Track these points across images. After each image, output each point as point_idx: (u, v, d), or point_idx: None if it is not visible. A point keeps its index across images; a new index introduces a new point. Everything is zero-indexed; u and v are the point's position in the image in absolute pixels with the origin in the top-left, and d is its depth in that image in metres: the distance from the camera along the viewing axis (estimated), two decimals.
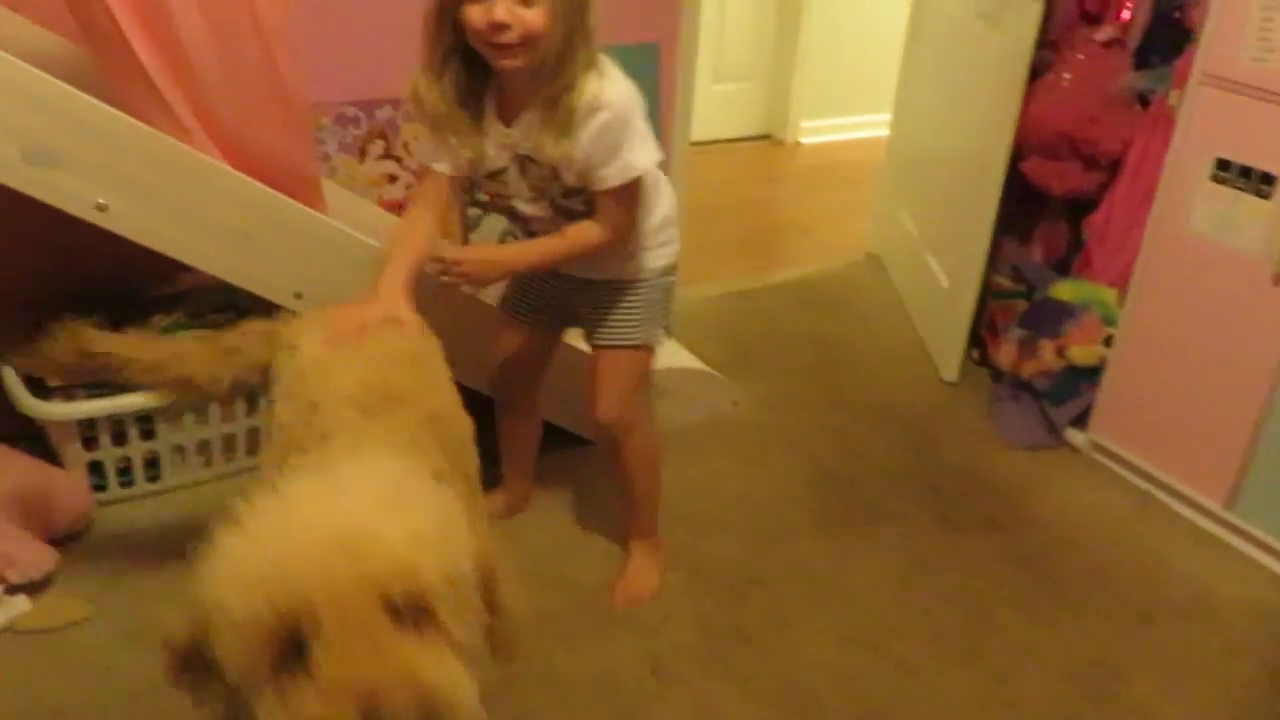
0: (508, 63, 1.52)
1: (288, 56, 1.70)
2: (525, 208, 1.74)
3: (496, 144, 1.66)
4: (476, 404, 2.16)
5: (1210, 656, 1.95)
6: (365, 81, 2.34)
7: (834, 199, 4.21)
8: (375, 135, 2.39)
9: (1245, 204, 2.10)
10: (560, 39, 1.50)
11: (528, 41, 1.49)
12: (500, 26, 1.47)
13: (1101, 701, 1.83)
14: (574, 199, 1.70)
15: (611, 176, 1.63)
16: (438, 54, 1.58)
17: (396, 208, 2.46)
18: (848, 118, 4.83)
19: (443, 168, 1.70)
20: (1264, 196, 2.06)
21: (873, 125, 4.45)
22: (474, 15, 1.49)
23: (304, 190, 1.84)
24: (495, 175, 1.71)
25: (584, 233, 1.70)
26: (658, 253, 1.83)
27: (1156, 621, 2.03)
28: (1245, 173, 2.09)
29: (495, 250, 1.94)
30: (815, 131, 4.85)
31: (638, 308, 1.83)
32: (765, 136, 4.87)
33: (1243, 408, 2.16)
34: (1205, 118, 2.15)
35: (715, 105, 4.58)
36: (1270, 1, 1.99)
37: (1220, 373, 2.20)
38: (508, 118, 1.64)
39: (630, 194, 1.68)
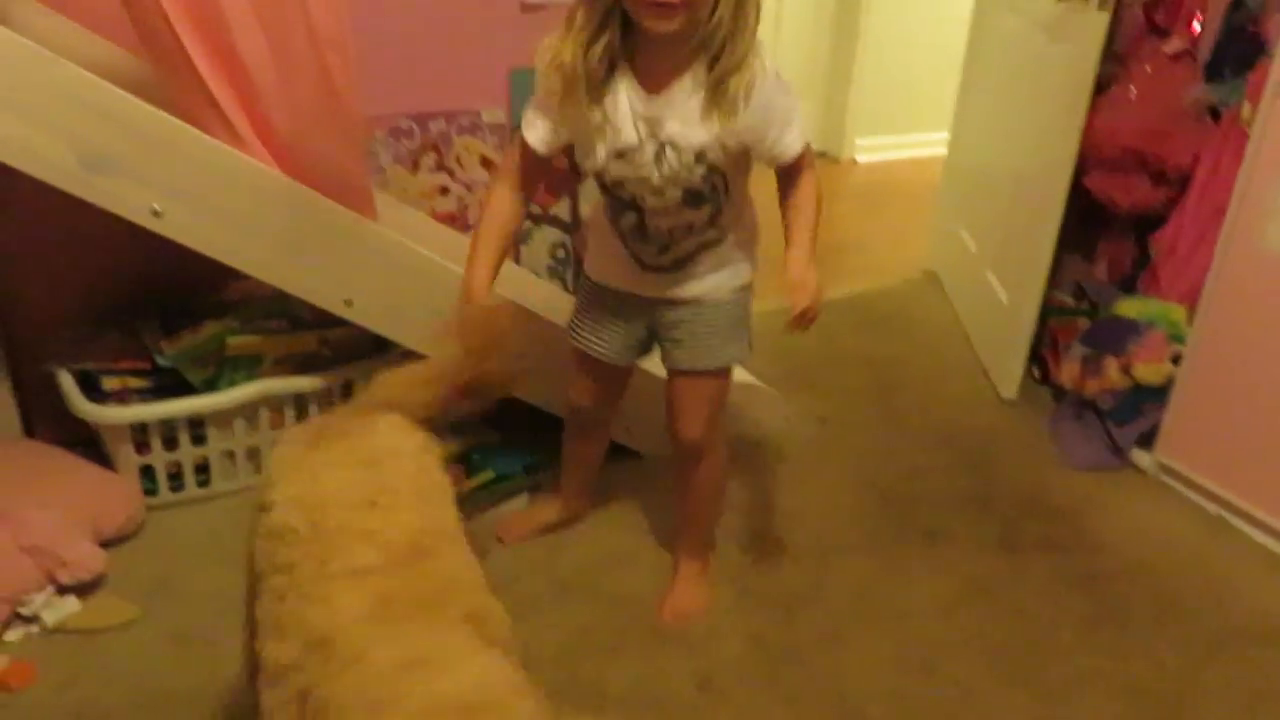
0: (664, 25, 1.43)
1: (342, 67, 1.71)
2: (650, 198, 1.62)
3: (633, 116, 1.54)
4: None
5: None
6: (419, 95, 2.36)
7: (890, 217, 4.15)
8: (428, 148, 2.41)
9: None
10: (731, 10, 1.45)
11: (690, 3, 1.42)
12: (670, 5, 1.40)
13: None
14: (710, 180, 1.60)
15: (794, 141, 1.59)
16: (595, 12, 1.47)
17: (449, 220, 2.48)
18: (904, 135, 4.77)
19: (538, 140, 1.61)
20: None
21: (929, 144, 4.39)
22: None
23: (355, 199, 1.85)
24: (624, 154, 1.57)
25: (811, 194, 1.65)
26: (741, 267, 1.77)
27: (1227, 649, 1.94)
28: None
29: (803, 266, 1.64)
30: (871, 149, 4.80)
31: (721, 327, 1.77)
32: (821, 154, 4.82)
33: None
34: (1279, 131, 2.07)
35: None
36: None
37: None
38: (652, 86, 1.53)
39: (812, 156, 1.65)
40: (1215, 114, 2.57)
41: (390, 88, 2.30)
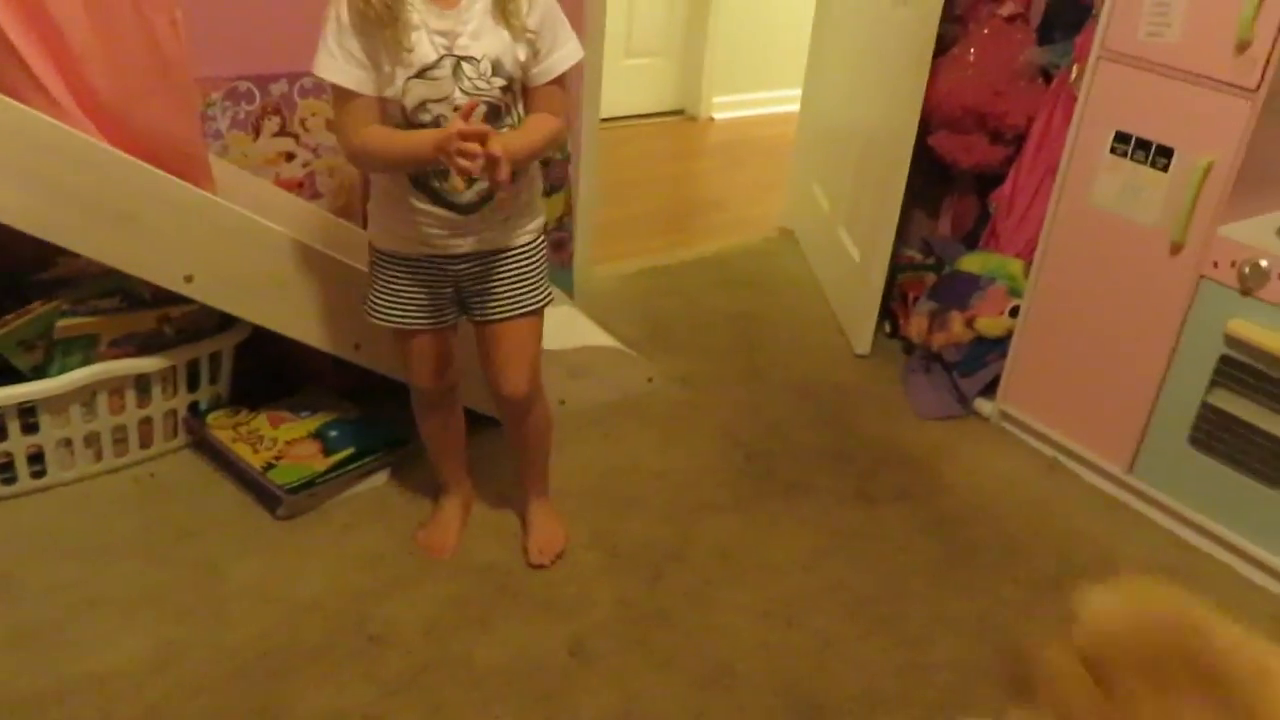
0: None
1: (167, 28, 1.61)
2: (454, 117, 1.57)
3: (428, 32, 1.55)
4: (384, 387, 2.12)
5: None
6: (258, 56, 2.24)
7: (748, 174, 4.21)
8: (270, 111, 2.29)
9: (1143, 176, 2.14)
10: None
11: None
12: None
13: (1013, 664, 1.86)
14: (507, 95, 1.63)
15: (560, 61, 1.64)
16: None
17: (295, 186, 2.38)
18: (761, 93, 4.82)
19: (359, 82, 1.55)
20: (1161, 169, 2.11)
21: (786, 100, 4.44)
22: None
23: (190, 168, 1.75)
24: (423, 73, 1.56)
25: (549, 122, 1.66)
26: (536, 205, 1.80)
27: (1063, 584, 2.07)
28: (1143, 146, 2.13)
29: (510, 138, 1.61)
30: (729, 107, 4.83)
31: (530, 271, 1.79)
32: (679, 112, 4.84)
33: (1142, 375, 2.21)
34: (1104, 92, 2.18)
35: (627, 80, 4.53)
36: None
37: (1121, 341, 2.25)
38: (443, 1, 1.56)
39: (566, 84, 1.69)
40: (1047, 76, 2.70)
41: (226, 48, 2.17)
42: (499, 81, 1.61)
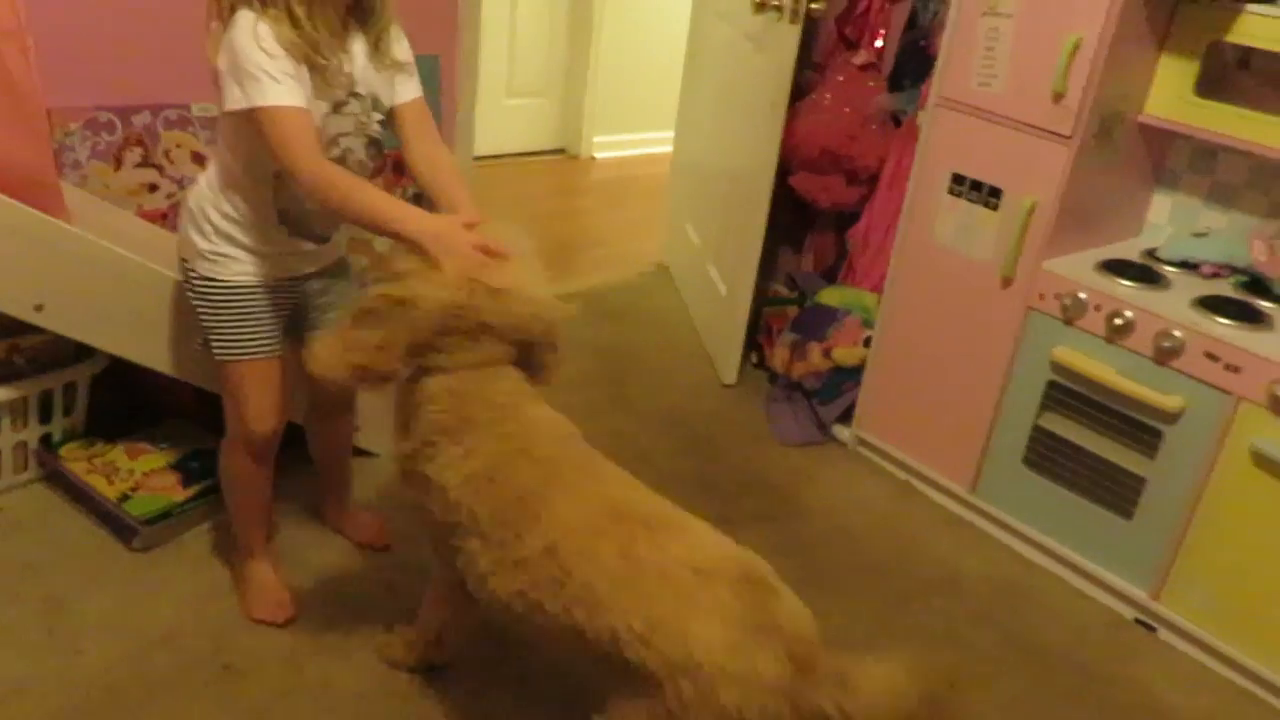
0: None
1: (17, 56, 1.61)
2: (355, 146, 1.68)
3: (339, 72, 1.60)
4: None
5: (957, 626, 2.12)
6: (119, 86, 2.23)
7: (627, 212, 4.31)
8: (132, 142, 2.28)
9: (977, 215, 2.30)
10: None
11: None
12: None
13: None
14: (383, 129, 1.73)
15: (415, 84, 1.74)
16: None
17: (159, 218, 2.36)
18: (641, 133, 4.95)
19: (302, 100, 1.53)
20: (992, 208, 2.27)
21: (665, 141, 4.55)
22: None
23: (41, 197, 1.74)
24: (340, 108, 1.62)
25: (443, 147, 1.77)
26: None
27: (910, 599, 2.18)
28: (976, 186, 2.29)
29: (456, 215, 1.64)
30: (609, 146, 4.95)
31: (352, 281, 1.89)
32: (560, 151, 4.93)
33: (980, 400, 2.36)
34: (941, 136, 2.34)
35: (509, 119, 4.61)
36: (992, 34, 2.20)
37: (961, 369, 2.39)
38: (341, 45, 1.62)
39: None
40: (897, 120, 2.86)
41: (85, 78, 2.16)
42: (378, 117, 1.71)
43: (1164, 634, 2.15)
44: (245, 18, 1.51)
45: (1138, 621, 2.18)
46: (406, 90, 1.74)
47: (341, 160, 1.66)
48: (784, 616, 1.32)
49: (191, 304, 1.74)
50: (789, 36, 2.57)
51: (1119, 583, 2.20)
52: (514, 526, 1.39)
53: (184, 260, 1.73)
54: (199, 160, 2.37)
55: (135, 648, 1.79)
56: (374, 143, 1.73)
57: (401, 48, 1.71)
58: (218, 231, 1.67)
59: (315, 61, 1.55)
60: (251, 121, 1.51)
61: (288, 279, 1.75)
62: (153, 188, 2.35)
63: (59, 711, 1.65)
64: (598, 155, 4.93)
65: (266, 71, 1.49)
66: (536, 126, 4.80)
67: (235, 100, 1.51)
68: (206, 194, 1.68)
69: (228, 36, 1.52)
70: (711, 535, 1.43)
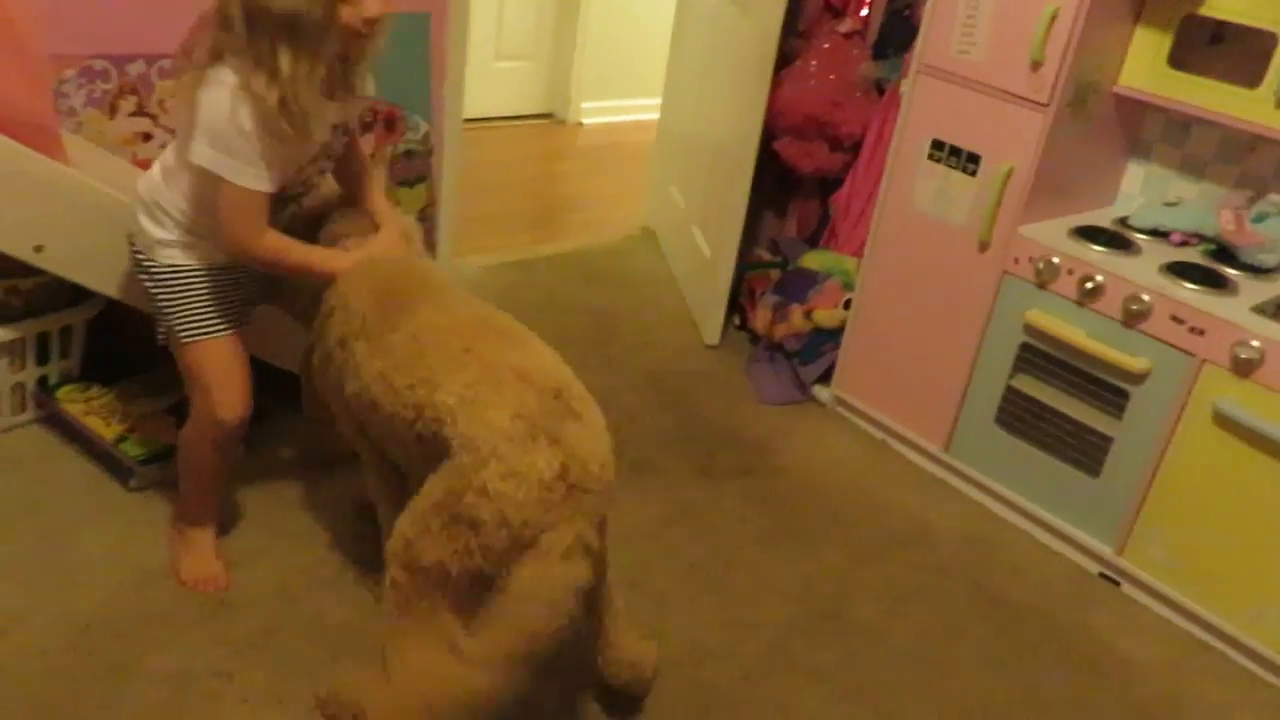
0: (367, 46, 1.67)
1: (18, 1, 1.63)
2: (316, 177, 1.82)
3: (328, 121, 1.70)
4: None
5: (926, 579, 2.20)
6: (115, 35, 2.25)
7: (613, 177, 4.35)
8: (127, 91, 2.31)
9: (955, 181, 2.36)
10: None
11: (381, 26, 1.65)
12: (376, 20, 1.61)
13: (830, 620, 2.03)
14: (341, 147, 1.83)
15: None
16: (323, 53, 1.58)
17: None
18: (628, 100, 4.98)
19: (266, 183, 1.63)
20: (970, 174, 2.33)
21: (652, 108, 4.59)
22: (351, 14, 1.57)
23: (41, 141, 1.78)
24: (318, 156, 1.75)
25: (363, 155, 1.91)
26: None
27: (882, 552, 2.26)
28: (955, 152, 2.35)
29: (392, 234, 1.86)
30: (596, 112, 4.97)
31: None
32: (548, 115, 4.95)
33: (955, 361, 2.43)
34: (922, 103, 2.40)
35: (497, 82, 4.62)
36: (973, 3, 2.25)
37: (937, 331, 2.46)
38: (335, 94, 1.69)
39: None
40: (881, 88, 2.92)
41: (81, 26, 2.17)
42: (342, 139, 1.81)
43: (1127, 588, 2.24)
44: (226, 85, 1.55)
45: (1102, 575, 2.27)
46: (355, 125, 1.86)
47: (305, 184, 1.79)
48: (572, 435, 1.42)
49: (149, 292, 1.75)
50: (774, 3, 2.62)
51: (1085, 538, 2.28)
52: (391, 320, 1.58)
53: (137, 250, 1.75)
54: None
55: (133, 581, 1.85)
56: (332, 159, 1.82)
57: (369, 83, 1.80)
58: (176, 224, 1.71)
59: (290, 129, 1.60)
60: (213, 178, 1.60)
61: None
62: (147, 137, 2.37)
63: (61, 639, 1.71)
64: (585, 121, 4.96)
65: (236, 153, 1.58)
66: (524, 90, 4.82)
67: (202, 158, 1.59)
68: (163, 188, 1.71)
69: (210, 94, 1.56)
70: (550, 357, 1.57)
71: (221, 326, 1.77)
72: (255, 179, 1.60)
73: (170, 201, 1.70)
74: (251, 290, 1.85)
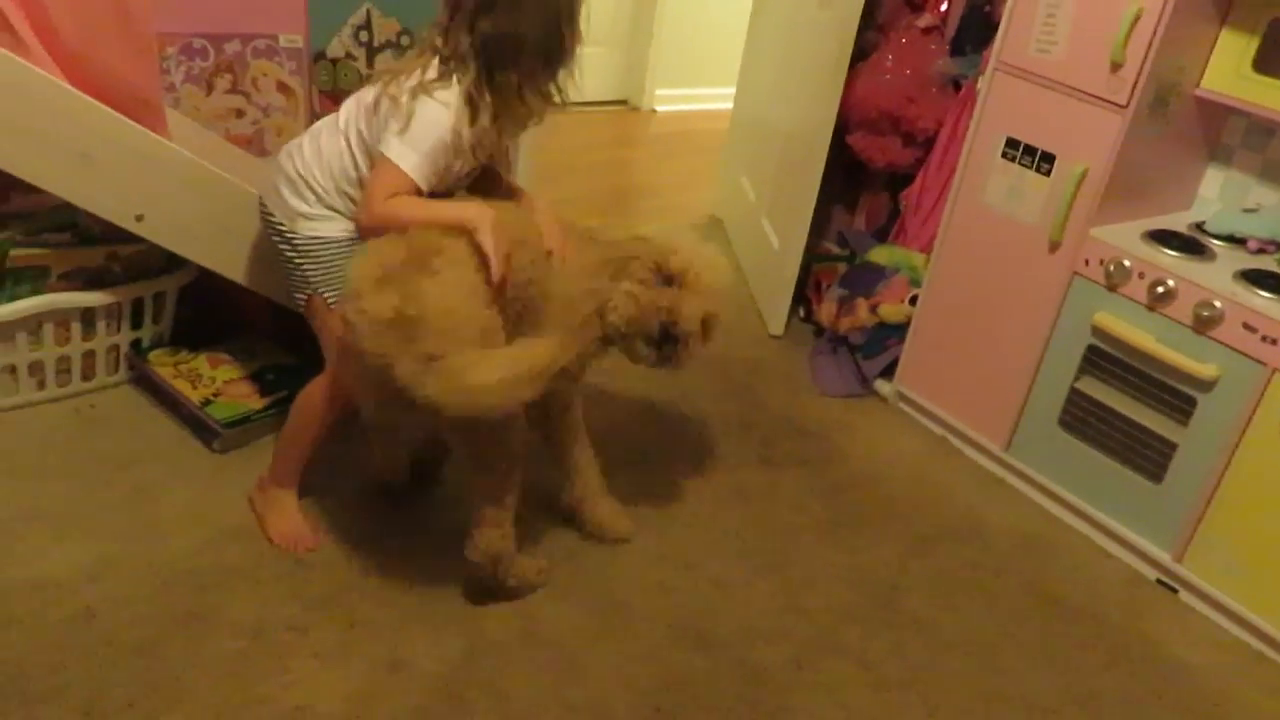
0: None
1: None
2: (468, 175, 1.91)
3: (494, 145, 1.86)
4: None
5: (981, 574, 2.21)
6: (214, 15, 2.36)
7: (684, 164, 4.39)
8: (223, 69, 2.41)
9: (1028, 179, 2.35)
10: None
11: None
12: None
13: (883, 610, 2.06)
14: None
15: None
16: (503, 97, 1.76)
17: (245, 143, 2.49)
18: (702, 89, 5.01)
19: (425, 183, 1.76)
20: (1044, 173, 2.32)
21: (725, 98, 4.62)
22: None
23: (146, 114, 1.87)
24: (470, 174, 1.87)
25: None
26: None
27: (937, 545, 2.28)
28: (1030, 151, 2.34)
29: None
30: (670, 100, 5.01)
31: None
32: (622, 102, 5.00)
33: (1020, 361, 2.43)
34: (998, 101, 2.39)
35: None
36: (1053, 2, 2.24)
37: (1003, 330, 2.46)
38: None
39: None
40: (957, 85, 2.91)
41: (183, 6, 2.28)
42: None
43: (1184, 595, 2.22)
44: (450, 107, 1.71)
45: (1159, 582, 2.26)
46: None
47: (456, 184, 1.88)
48: (413, 287, 1.60)
49: (294, 263, 1.86)
50: None
51: (1143, 543, 2.27)
52: None
53: (277, 222, 1.85)
54: (284, 90, 2.50)
55: (214, 537, 1.95)
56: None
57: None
58: (320, 200, 1.82)
59: (475, 154, 1.77)
60: (379, 162, 1.73)
61: None
62: (239, 114, 2.47)
63: (147, 588, 1.81)
64: (659, 109, 5.00)
65: (427, 151, 1.71)
66: (600, 77, 4.87)
67: (395, 152, 1.71)
68: (312, 164, 1.81)
69: (429, 110, 1.70)
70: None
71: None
72: (418, 171, 1.73)
73: (317, 179, 1.81)
74: None
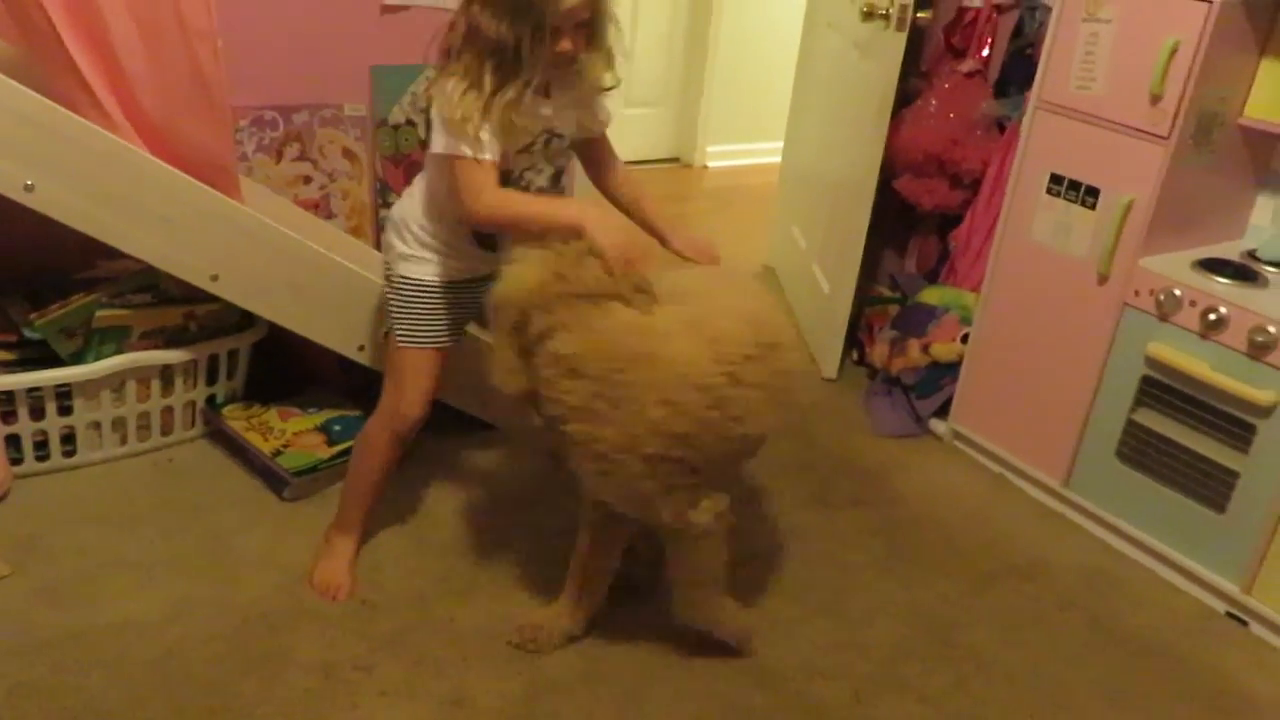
0: (568, 66, 1.81)
1: (210, 58, 1.87)
2: (536, 179, 1.91)
3: (540, 119, 1.84)
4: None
5: (1044, 610, 2.19)
6: (283, 88, 2.50)
7: (736, 217, 4.46)
8: (292, 138, 2.55)
9: (1074, 214, 2.37)
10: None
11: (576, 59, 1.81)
12: (566, 54, 1.76)
13: (943, 646, 2.05)
14: (562, 158, 1.95)
15: (607, 111, 1.95)
16: (534, 65, 1.74)
17: (312, 206, 2.62)
18: (752, 144, 5.10)
19: (496, 155, 1.78)
20: (1089, 207, 2.34)
21: (774, 152, 4.70)
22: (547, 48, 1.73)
23: (222, 180, 1.99)
24: (528, 147, 1.86)
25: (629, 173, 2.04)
26: None
27: (997, 582, 2.26)
28: (1074, 186, 2.37)
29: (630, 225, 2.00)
30: (721, 156, 5.11)
31: None
32: (674, 159, 5.12)
33: (1075, 395, 2.42)
34: (1040, 138, 2.43)
35: (627, 128, 4.77)
36: (1092, 39, 2.28)
37: (1057, 364, 2.46)
38: (541, 93, 1.81)
39: None
40: (1002, 126, 2.94)
41: (256, 80, 2.43)
42: (565, 145, 1.93)
43: (1256, 628, 2.17)
44: (451, 81, 1.74)
45: (1229, 614, 2.21)
46: (597, 126, 1.96)
47: (524, 189, 1.90)
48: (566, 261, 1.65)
49: (387, 298, 1.97)
50: (895, 43, 2.69)
51: (1210, 576, 2.23)
52: None
53: (387, 263, 1.97)
54: (348, 155, 2.63)
55: (285, 581, 2.02)
56: (556, 174, 1.95)
57: (595, 92, 1.90)
58: (416, 240, 1.91)
59: (506, 119, 1.76)
60: (448, 165, 1.77)
61: (471, 279, 1.97)
62: (307, 179, 2.61)
63: (222, 628, 1.89)
64: (710, 164, 5.10)
65: (462, 128, 1.74)
66: (653, 136, 5.00)
67: (438, 145, 1.77)
68: (410, 210, 1.92)
69: (438, 93, 1.75)
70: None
71: (430, 340, 1.96)
72: (481, 151, 1.76)
73: (413, 217, 1.91)
74: (470, 312, 2.01)
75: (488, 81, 1.72)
